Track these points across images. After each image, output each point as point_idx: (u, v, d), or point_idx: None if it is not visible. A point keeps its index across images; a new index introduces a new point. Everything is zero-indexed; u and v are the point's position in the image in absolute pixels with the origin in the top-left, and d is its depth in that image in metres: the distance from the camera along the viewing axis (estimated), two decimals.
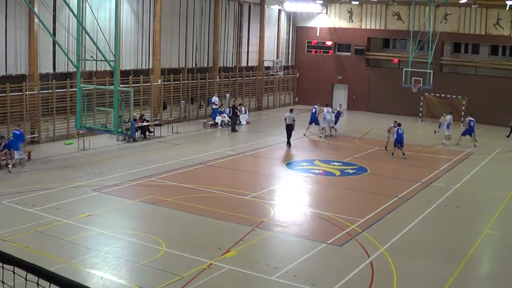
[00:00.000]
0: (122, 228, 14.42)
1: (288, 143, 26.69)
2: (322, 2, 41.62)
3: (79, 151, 23.75)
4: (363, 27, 41.15)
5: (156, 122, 29.46)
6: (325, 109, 29.67)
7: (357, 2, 40.51)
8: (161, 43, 30.94)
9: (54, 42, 22.43)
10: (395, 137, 24.85)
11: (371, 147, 27.18)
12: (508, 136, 30.60)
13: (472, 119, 28.29)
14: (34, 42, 24.20)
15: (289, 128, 26.67)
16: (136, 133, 25.92)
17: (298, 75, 44.17)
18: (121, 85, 25.41)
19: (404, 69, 36.28)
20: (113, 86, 16.69)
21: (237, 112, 31.55)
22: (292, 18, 43.52)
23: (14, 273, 2.77)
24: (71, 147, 24.41)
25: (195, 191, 18.08)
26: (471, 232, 15.60)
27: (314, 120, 29.59)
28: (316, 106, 29.89)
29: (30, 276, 2.67)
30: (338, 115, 31.05)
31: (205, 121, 32.12)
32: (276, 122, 33.14)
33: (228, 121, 31.84)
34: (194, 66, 34.27)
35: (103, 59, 16.46)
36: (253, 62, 39.74)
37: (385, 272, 12.10)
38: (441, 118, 29.75)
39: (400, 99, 38.31)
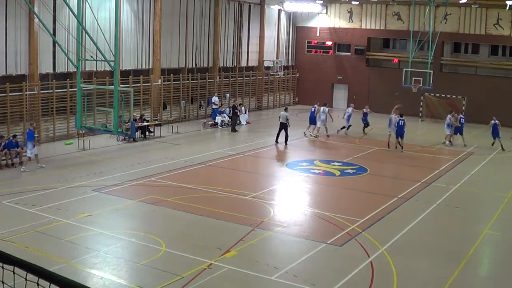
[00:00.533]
0: (122, 228, 14.43)
1: (276, 141, 26.79)
2: (322, 2, 41.62)
3: (79, 151, 23.75)
4: (363, 27, 41.16)
5: (156, 122, 29.46)
6: (321, 108, 29.67)
7: (357, 2, 40.51)
8: (161, 43, 30.94)
9: (54, 42, 22.43)
10: (396, 129, 25.20)
11: (371, 147, 27.19)
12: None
13: (463, 116, 28.40)
14: (34, 42, 24.21)
15: (282, 127, 26.68)
16: (136, 133, 25.92)
17: (298, 75, 44.17)
18: (121, 85, 25.41)
19: (404, 69, 36.28)
20: (113, 86, 16.69)
21: (237, 112, 31.55)
22: (292, 18, 43.52)
23: (14, 273, 2.78)
24: (71, 147, 24.41)
25: (195, 191, 18.08)
26: (471, 232, 15.60)
27: (312, 119, 29.58)
28: (315, 105, 29.84)
29: (30, 276, 2.67)
30: (366, 116, 31.05)
31: (205, 121, 32.12)
32: (276, 122, 32.92)
33: (228, 121, 31.85)
34: (194, 66, 34.27)
35: (103, 59, 16.45)
36: (253, 62, 39.75)
37: (385, 272, 12.10)
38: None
39: (400, 99, 38.22)
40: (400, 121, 25.26)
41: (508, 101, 35.07)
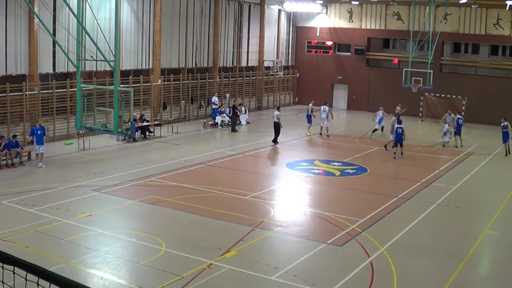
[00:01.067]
0: (122, 228, 14.43)
1: (274, 141, 26.76)
2: (322, 2, 41.62)
3: (79, 151, 23.75)
4: (363, 27, 41.16)
5: (156, 122, 29.47)
6: (321, 107, 29.66)
7: (357, 2, 40.51)
8: (161, 43, 30.94)
9: (54, 42, 22.43)
10: (394, 136, 24.71)
11: (371, 147, 27.18)
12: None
13: (461, 117, 28.34)
14: (34, 42, 24.21)
15: (275, 126, 26.66)
16: (136, 133, 25.93)
17: (298, 75, 44.18)
18: (121, 85, 25.41)
19: (404, 69, 36.28)
20: (113, 86, 16.69)
21: (237, 112, 31.55)
22: (292, 18, 43.52)
23: (14, 273, 2.78)
24: (71, 147, 24.41)
25: (195, 191, 18.08)
26: (471, 232, 15.59)
27: (308, 117, 29.49)
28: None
29: (30, 276, 2.68)
30: (398, 117, 30.95)
31: (205, 121, 32.12)
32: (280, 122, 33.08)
33: (228, 121, 31.85)
34: (194, 66, 34.28)
35: (103, 59, 16.46)
36: (253, 62, 39.75)
37: (385, 272, 12.10)
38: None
39: (400, 99, 38.23)
40: (399, 129, 24.49)
41: (508, 101, 35.06)
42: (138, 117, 27.37)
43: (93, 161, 22.07)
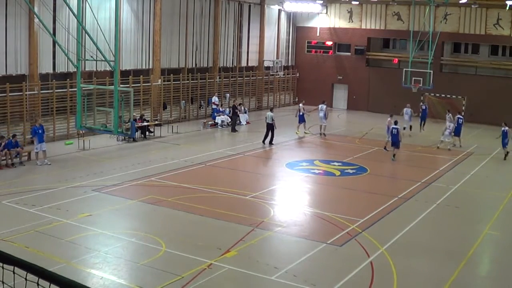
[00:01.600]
0: (122, 228, 14.43)
1: (263, 141, 26.68)
2: (322, 2, 41.62)
3: (79, 151, 23.75)
4: (363, 27, 41.15)
5: (156, 122, 29.47)
6: (319, 106, 29.65)
7: (357, 2, 40.50)
8: (161, 43, 30.94)
9: (54, 42, 22.44)
10: (390, 137, 24.65)
11: (371, 147, 27.18)
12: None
13: (461, 117, 28.32)
14: (34, 42, 24.21)
15: (268, 128, 26.63)
16: (136, 133, 25.93)
17: (298, 75, 44.17)
18: (121, 85, 25.41)
19: (404, 69, 36.25)
20: (113, 86, 16.69)
21: (237, 112, 31.55)
22: (292, 18, 43.52)
23: (14, 273, 2.78)
24: (71, 147, 24.41)
25: (195, 191, 18.08)
26: (471, 232, 15.60)
27: (300, 117, 29.46)
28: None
29: (30, 276, 2.68)
30: (424, 113, 31.00)
31: (205, 121, 32.12)
32: (276, 122, 33.07)
33: (228, 121, 31.85)
34: (194, 66, 34.27)
35: (103, 59, 16.46)
36: (253, 62, 39.74)
37: (385, 272, 12.11)
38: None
39: (400, 99, 38.24)
40: (394, 130, 24.35)
41: (508, 101, 35.06)
42: (138, 117, 27.37)
43: (93, 161, 22.08)
